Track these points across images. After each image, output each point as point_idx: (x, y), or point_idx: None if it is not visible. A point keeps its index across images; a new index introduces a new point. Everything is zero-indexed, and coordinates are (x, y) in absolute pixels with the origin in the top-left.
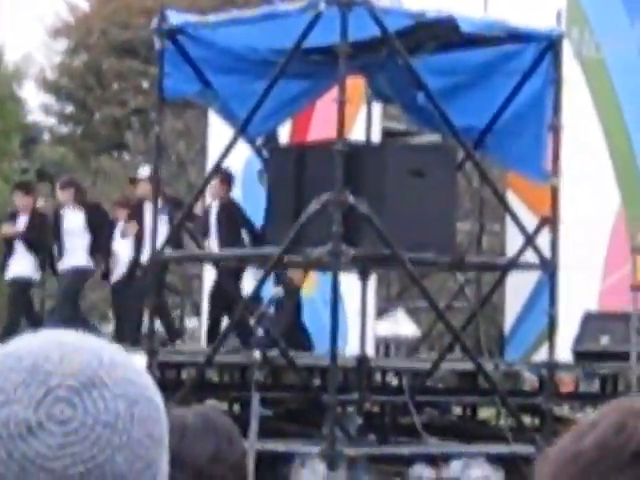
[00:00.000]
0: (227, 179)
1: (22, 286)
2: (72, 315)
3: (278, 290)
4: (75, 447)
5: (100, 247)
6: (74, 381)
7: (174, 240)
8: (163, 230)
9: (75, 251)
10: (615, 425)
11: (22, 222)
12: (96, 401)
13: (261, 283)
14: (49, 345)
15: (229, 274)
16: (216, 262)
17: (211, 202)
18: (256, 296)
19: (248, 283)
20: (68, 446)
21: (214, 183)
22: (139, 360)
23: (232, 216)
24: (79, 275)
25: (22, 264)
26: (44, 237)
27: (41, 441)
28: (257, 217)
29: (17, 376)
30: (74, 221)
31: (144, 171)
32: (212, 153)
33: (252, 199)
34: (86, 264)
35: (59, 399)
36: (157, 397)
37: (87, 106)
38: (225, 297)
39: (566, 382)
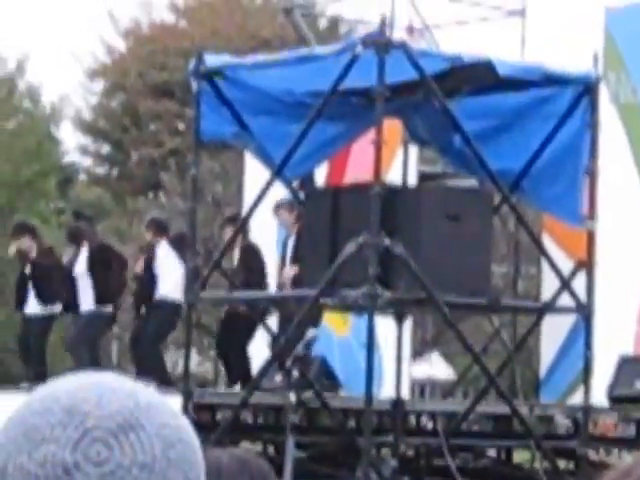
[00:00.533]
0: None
1: (33, 325)
2: (87, 357)
3: (314, 332)
4: None
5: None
6: (111, 423)
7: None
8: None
9: (85, 294)
10: None
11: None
12: (133, 443)
13: (299, 325)
14: (86, 386)
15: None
16: (250, 304)
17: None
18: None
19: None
20: None
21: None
22: (174, 402)
23: (249, 260)
24: (94, 319)
25: (33, 302)
26: (51, 275)
27: None
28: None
29: (54, 416)
30: (83, 263)
31: (148, 217)
32: (248, 194)
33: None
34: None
35: (96, 440)
36: (194, 439)
37: (123, 147)
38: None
39: (608, 425)
